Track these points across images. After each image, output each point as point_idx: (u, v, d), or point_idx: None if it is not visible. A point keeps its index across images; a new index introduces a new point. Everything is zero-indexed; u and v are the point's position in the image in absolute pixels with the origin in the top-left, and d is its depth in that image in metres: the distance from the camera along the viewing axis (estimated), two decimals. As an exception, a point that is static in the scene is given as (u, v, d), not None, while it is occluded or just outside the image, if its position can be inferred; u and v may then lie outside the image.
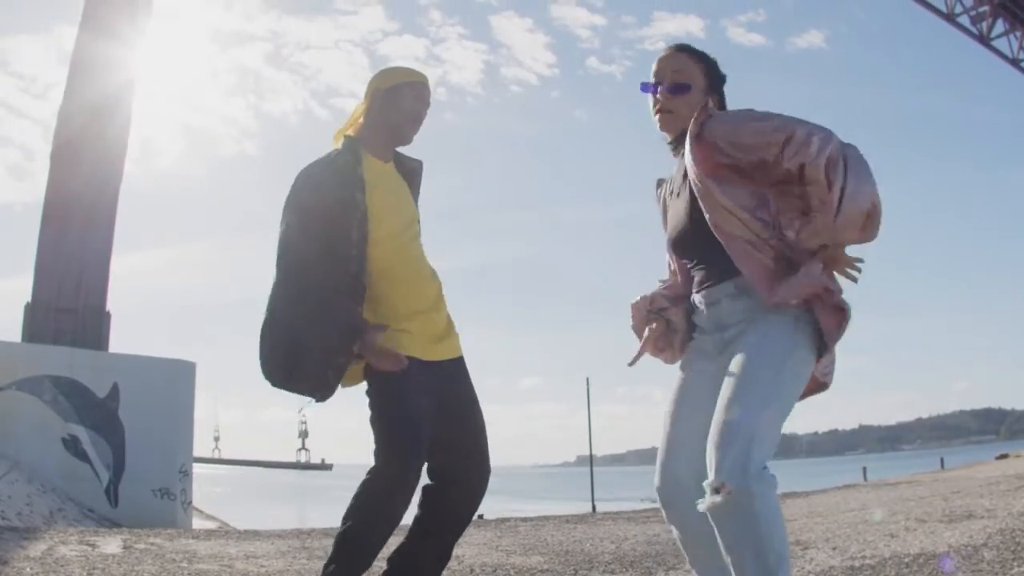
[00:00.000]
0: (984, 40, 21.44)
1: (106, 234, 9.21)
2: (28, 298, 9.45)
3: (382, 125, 2.92)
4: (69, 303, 9.04)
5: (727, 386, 2.14)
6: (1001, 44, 21.91)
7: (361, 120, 2.97)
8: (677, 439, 2.33)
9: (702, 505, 2.04)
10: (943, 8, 20.47)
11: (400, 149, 3.01)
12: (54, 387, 9.59)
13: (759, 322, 2.24)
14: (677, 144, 2.47)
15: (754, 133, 2.23)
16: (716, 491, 2.00)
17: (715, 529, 2.04)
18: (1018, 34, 21.72)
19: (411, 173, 3.03)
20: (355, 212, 2.74)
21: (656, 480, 2.34)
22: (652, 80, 2.50)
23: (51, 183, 8.87)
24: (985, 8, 20.82)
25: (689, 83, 2.44)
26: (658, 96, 2.47)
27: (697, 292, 2.43)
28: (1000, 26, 21.49)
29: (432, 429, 2.71)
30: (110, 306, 9.25)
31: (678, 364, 2.50)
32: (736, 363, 2.18)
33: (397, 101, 2.91)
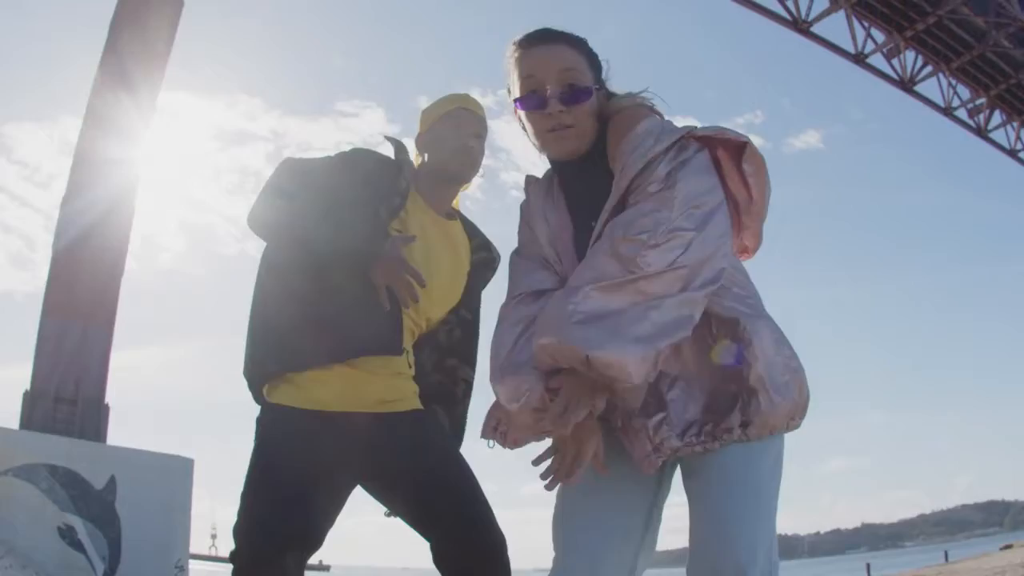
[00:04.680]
0: (982, 132, 21.63)
1: (107, 328, 9.10)
2: (27, 386, 9.34)
3: (431, 170, 2.55)
4: (68, 394, 8.89)
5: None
6: (999, 136, 22.12)
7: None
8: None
9: None
10: (940, 102, 20.65)
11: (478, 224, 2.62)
12: (51, 476, 9.36)
13: None
14: (587, 164, 1.90)
15: None
16: None
17: None
18: (1015, 125, 21.93)
19: (480, 264, 2.61)
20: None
21: None
22: (523, 88, 1.90)
23: (52, 274, 8.77)
24: (982, 100, 21.04)
25: (588, 85, 1.89)
26: (550, 111, 1.86)
27: None
28: (997, 117, 21.70)
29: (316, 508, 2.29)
30: (109, 399, 9.15)
31: None
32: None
33: (439, 139, 2.52)
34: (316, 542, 2.31)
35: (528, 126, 1.93)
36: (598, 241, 1.76)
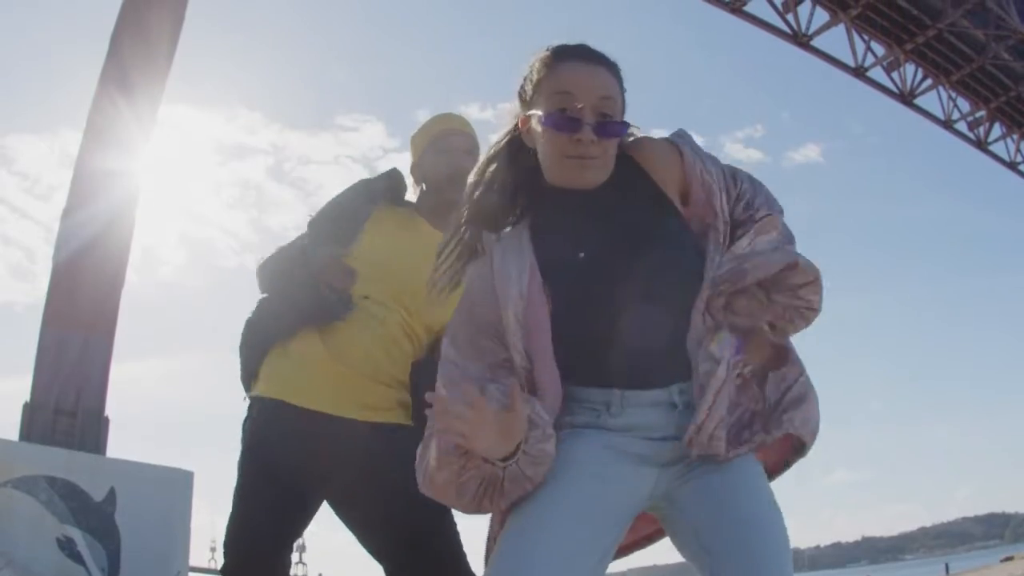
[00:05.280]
0: (981, 145, 21.65)
1: (107, 340, 9.05)
2: (27, 397, 9.34)
3: (431, 197, 2.60)
4: (68, 406, 8.82)
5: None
6: (999, 148, 22.16)
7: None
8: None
9: None
10: (940, 115, 20.68)
11: None
12: (50, 488, 9.33)
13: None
14: (604, 192, 1.74)
15: None
16: None
17: None
18: (1015, 137, 21.96)
19: None
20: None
21: None
22: (553, 103, 1.70)
23: (53, 286, 8.75)
24: (982, 113, 21.07)
25: (623, 120, 1.74)
26: (581, 137, 1.66)
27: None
28: (997, 130, 21.73)
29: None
30: (109, 411, 9.13)
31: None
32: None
33: (432, 167, 2.58)
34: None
35: (546, 144, 1.72)
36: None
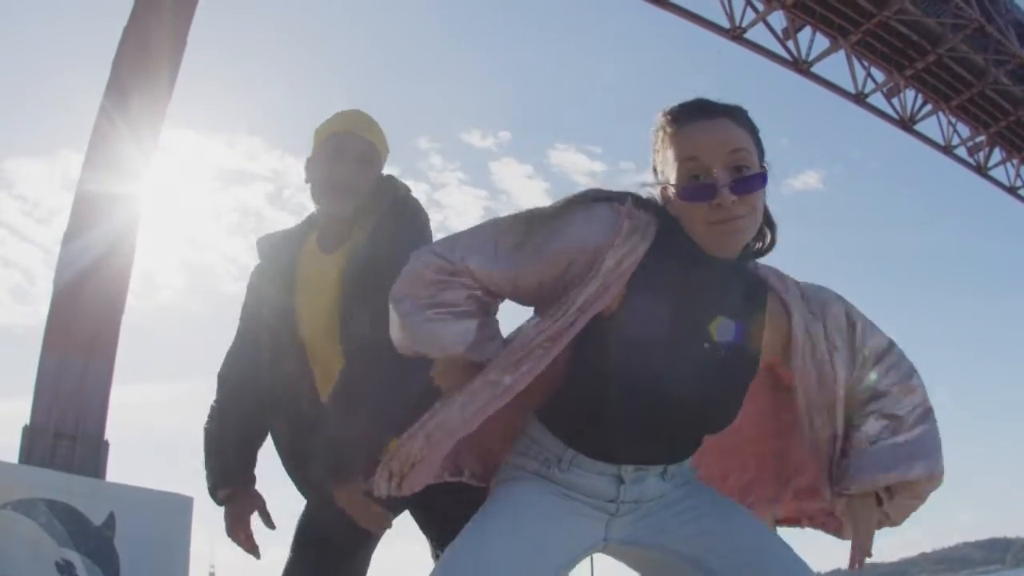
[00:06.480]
0: (981, 170, 21.68)
1: (107, 364, 9.07)
2: (27, 420, 9.32)
3: (314, 201, 2.34)
4: (68, 430, 8.85)
5: None
6: (999, 173, 22.17)
7: None
8: None
9: None
10: (940, 140, 20.72)
11: None
12: (49, 511, 9.30)
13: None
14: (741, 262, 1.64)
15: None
16: None
17: None
18: (1015, 162, 21.98)
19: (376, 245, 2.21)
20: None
21: None
22: (683, 173, 1.55)
23: (53, 310, 8.76)
24: (982, 138, 21.11)
25: (761, 169, 1.57)
26: (719, 200, 1.51)
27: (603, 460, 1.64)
28: (997, 155, 21.76)
29: None
30: (109, 435, 9.13)
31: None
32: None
33: (313, 174, 2.32)
34: None
35: (689, 218, 1.57)
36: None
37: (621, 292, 1.57)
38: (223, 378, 2.42)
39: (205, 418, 2.42)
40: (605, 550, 1.73)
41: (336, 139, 2.29)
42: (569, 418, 1.65)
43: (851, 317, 1.71)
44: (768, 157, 1.60)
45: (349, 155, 2.27)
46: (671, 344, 1.58)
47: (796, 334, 1.65)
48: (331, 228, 2.29)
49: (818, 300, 1.70)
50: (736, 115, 1.59)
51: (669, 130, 1.59)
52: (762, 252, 1.67)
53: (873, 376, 1.72)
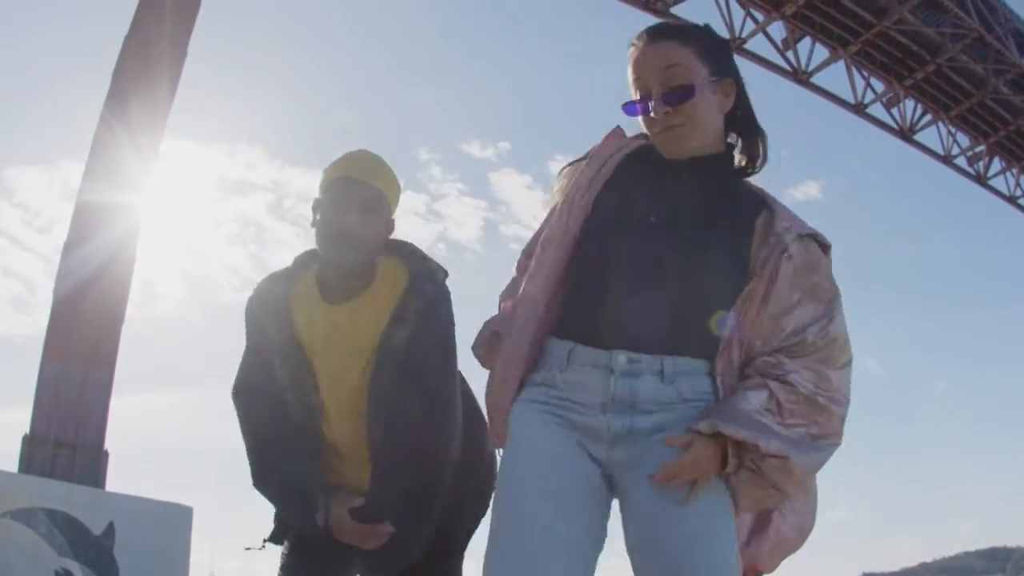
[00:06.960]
0: (981, 180, 21.67)
1: (107, 373, 9.06)
2: (27, 429, 9.33)
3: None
4: (68, 439, 8.83)
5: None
6: (998, 183, 22.13)
7: None
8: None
9: None
10: (940, 150, 20.71)
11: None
12: (49, 520, 9.31)
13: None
14: (702, 164, 1.79)
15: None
16: None
17: None
18: (1015, 171, 21.97)
19: (416, 321, 2.22)
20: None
21: None
22: (636, 94, 1.78)
23: (53, 320, 8.76)
24: (982, 147, 21.10)
25: (691, 83, 1.73)
26: (653, 114, 1.75)
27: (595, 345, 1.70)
28: (997, 164, 21.75)
29: None
30: (108, 445, 9.12)
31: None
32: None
33: (318, 219, 2.24)
34: None
35: (647, 130, 1.82)
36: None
37: (598, 192, 1.80)
38: (255, 435, 2.36)
39: (253, 478, 2.33)
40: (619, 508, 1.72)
41: (340, 184, 2.22)
42: (567, 313, 1.77)
43: (831, 303, 1.74)
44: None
45: (352, 203, 2.20)
46: (633, 226, 1.74)
47: (767, 252, 1.70)
48: (335, 278, 2.25)
49: (808, 262, 1.73)
50: (685, 35, 1.79)
51: (627, 55, 1.80)
52: (753, 166, 1.87)
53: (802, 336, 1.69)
